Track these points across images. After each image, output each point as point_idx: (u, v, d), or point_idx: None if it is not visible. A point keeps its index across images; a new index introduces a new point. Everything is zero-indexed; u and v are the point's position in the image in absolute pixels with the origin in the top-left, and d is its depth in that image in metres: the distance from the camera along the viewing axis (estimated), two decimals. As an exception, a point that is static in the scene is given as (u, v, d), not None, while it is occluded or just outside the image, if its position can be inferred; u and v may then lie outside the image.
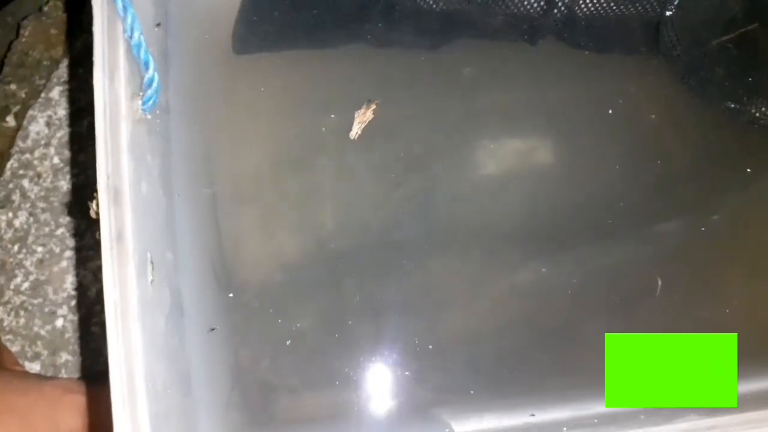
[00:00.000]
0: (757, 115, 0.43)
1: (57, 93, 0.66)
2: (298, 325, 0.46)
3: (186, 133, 0.43)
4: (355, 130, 0.45)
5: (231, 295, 0.45)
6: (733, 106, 0.43)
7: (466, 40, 0.48)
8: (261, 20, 0.47)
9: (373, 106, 0.45)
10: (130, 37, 0.33)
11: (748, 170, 0.46)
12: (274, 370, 0.45)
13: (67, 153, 0.64)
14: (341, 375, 0.44)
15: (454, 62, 0.48)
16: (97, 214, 0.31)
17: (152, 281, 0.33)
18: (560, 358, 0.44)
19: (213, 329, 0.39)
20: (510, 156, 0.49)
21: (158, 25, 0.41)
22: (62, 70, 0.67)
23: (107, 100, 0.32)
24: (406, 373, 0.44)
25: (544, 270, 0.46)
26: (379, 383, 0.44)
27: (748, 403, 0.35)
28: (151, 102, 0.34)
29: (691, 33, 0.43)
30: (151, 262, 0.33)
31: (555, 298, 0.45)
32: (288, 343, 0.45)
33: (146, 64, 0.34)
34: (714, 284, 0.45)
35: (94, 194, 0.31)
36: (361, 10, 0.46)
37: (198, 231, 0.44)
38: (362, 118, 0.45)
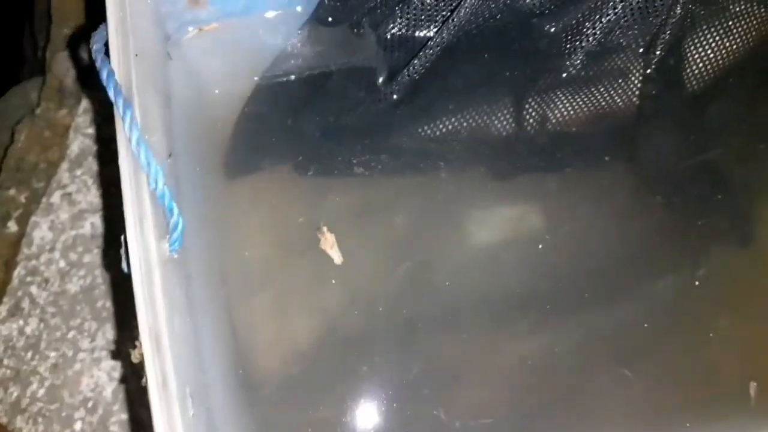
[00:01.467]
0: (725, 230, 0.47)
1: (58, 197, 0.68)
2: (319, 413, 0.48)
3: (203, 254, 0.46)
4: (335, 257, 0.47)
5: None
6: (701, 222, 0.48)
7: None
8: (252, 152, 0.51)
9: (325, 229, 0.48)
10: (155, 188, 0.36)
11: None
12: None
13: (72, 255, 0.66)
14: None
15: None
16: (139, 360, 0.34)
17: (193, 414, 0.35)
18: (571, 426, 0.47)
19: None
20: (501, 224, 0.52)
21: (170, 155, 0.44)
22: (60, 174, 0.70)
23: (140, 250, 0.35)
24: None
25: (547, 337, 0.48)
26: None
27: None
28: (177, 243, 0.37)
29: (661, 152, 0.48)
30: (191, 396, 0.35)
31: (562, 364, 0.48)
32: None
33: (170, 210, 0.37)
34: (719, 333, 0.47)
35: (137, 342, 0.34)
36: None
37: (219, 340, 0.47)
38: (329, 244, 0.47)
